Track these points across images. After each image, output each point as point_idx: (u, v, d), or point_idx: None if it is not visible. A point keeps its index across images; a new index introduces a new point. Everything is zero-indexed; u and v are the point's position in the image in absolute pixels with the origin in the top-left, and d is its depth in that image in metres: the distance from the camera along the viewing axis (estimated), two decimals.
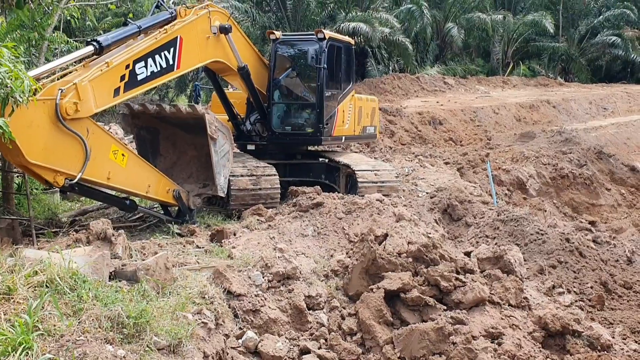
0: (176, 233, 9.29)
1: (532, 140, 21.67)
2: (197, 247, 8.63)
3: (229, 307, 6.90)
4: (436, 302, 7.34)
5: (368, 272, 7.75)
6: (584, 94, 34.00)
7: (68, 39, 10.20)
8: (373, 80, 28.67)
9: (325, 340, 7.13)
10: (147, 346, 5.24)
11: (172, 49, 9.32)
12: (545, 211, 13.80)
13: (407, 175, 14.42)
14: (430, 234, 8.64)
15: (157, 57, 9.06)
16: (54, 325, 4.92)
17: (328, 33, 12.33)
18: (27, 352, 4.52)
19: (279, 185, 10.89)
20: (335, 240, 9.09)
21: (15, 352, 4.46)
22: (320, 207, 9.87)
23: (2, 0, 8.75)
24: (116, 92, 8.45)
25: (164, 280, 6.50)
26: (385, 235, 8.24)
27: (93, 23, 14.82)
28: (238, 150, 12.24)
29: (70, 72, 8.16)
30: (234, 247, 8.43)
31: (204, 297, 6.60)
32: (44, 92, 7.38)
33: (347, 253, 8.57)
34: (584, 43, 42.34)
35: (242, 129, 12.33)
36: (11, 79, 5.58)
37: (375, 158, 14.92)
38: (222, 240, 8.85)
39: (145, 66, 8.87)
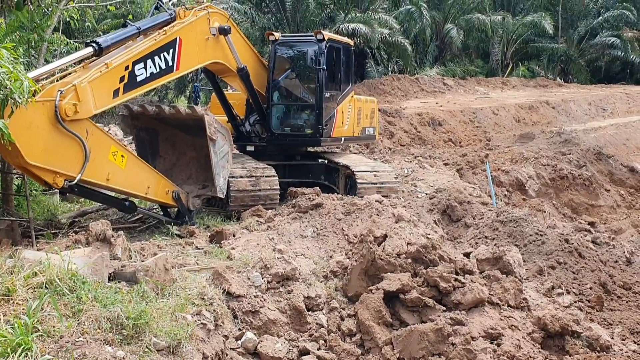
0: (175, 234, 9.29)
1: (532, 141, 21.68)
2: (197, 248, 8.63)
3: (228, 308, 6.90)
4: (435, 303, 7.35)
5: (367, 273, 7.76)
6: (583, 94, 34.01)
7: (68, 40, 10.20)
8: (372, 81, 28.69)
9: (325, 341, 7.13)
10: (147, 347, 5.24)
11: (171, 51, 9.33)
12: (545, 212, 13.82)
13: (406, 176, 14.43)
14: (429, 235, 8.65)
15: (156, 58, 9.06)
16: (54, 327, 4.92)
17: (327, 34, 12.34)
18: (27, 353, 4.52)
19: (278, 187, 10.89)
20: (334, 241, 9.10)
21: (15, 353, 4.46)
22: (320, 208, 9.88)
23: (2, 2, 8.75)
24: (115, 93, 8.45)
25: (163, 282, 6.50)
26: (385, 236, 8.24)
27: (92, 24, 14.81)
28: (237, 152, 12.25)
29: (69, 74, 8.15)
30: (233, 248, 8.44)
31: (203, 298, 6.60)
32: (44, 94, 7.38)
33: (346, 254, 8.58)
34: (583, 44, 42.36)
35: (241, 130, 12.35)
36: (10, 80, 5.58)
37: (374, 159, 14.93)
38: (222, 242, 8.86)
39: (145, 67, 8.88)
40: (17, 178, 10.11)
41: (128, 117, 10.23)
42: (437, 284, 7.43)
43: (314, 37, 12.09)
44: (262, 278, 7.51)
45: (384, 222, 9.24)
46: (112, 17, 25.26)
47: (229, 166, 10.05)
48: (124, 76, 8.53)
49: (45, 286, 5.42)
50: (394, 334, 7.08)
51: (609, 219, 16.52)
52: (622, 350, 7.30)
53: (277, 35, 12.44)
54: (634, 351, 7.32)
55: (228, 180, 10.12)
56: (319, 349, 6.99)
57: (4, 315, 4.88)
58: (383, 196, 11.14)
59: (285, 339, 7.02)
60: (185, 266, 7.52)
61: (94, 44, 8.42)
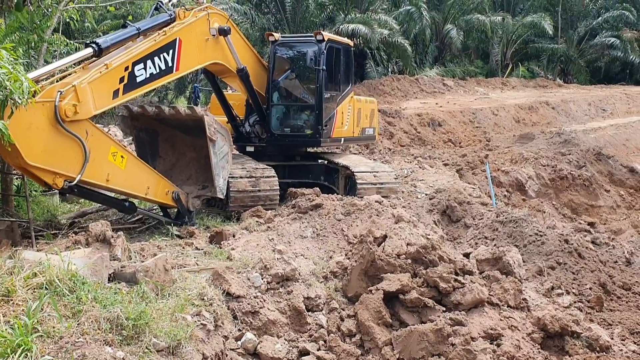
0: (175, 235, 9.29)
1: (531, 141, 21.68)
2: (196, 248, 8.64)
3: (228, 309, 6.90)
4: (435, 304, 7.35)
5: (367, 274, 7.76)
6: (583, 95, 34.01)
7: (68, 40, 10.20)
8: (372, 81, 28.70)
9: (325, 341, 7.13)
10: (146, 348, 5.24)
11: (171, 51, 9.33)
12: (544, 212, 13.81)
13: (406, 177, 14.43)
14: (429, 235, 8.64)
15: (156, 59, 9.07)
16: (53, 327, 4.92)
17: (327, 35, 12.35)
18: (26, 354, 4.52)
19: (278, 187, 10.90)
20: (334, 242, 9.10)
21: (15, 354, 4.46)
22: (319, 208, 9.88)
23: (2, 2, 8.75)
24: (115, 94, 8.45)
25: (163, 282, 6.50)
26: (384, 237, 8.24)
27: (92, 25, 14.80)
28: (237, 152, 12.26)
29: (69, 74, 8.16)
30: (233, 249, 8.44)
31: (203, 299, 6.61)
32: (43, 94, 7.39)
33: (346, 254, 8.58)
34: (582, 44, 42.36)
35: (241, 131, 12.35)
36: (10, 81, 5.58)
37: (374, 159, 14.93)
38: (221, 242, 8.86)
39: (145, 68, 8.88)
40: (16, 179, 10.11)
41: (128, 117, 10.23)
42: (437, 284, 7.44)
43: (313, 38, 12.10)
44: (262, 279, 7.51)
45: (384, 223, 9.23)
46: (112, 18, 25.26)
47: (228, 167, 10.06)
48: (123, 77, 8.54)
49: (45, 287, 5.42)
50: (393, 334, 7.08)
51: (609, 220, 16.51)
52: (621, 350, 7.29)
53: (277, 35, 12.46)
54: (633, 351, 7.32)
55: (228, 181, 10.13)
56: (318, 349, 6.99)
57: (3, 316, 4.88)
58: (383, 197, 11.14)
59: (285, 339, 7.02)
60: (185, 267, 7.52)
61: (93, 45, 8.42)
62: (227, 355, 6.33)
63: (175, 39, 9.40)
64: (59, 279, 5.49)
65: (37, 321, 4.89)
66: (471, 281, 7.58)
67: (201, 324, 6.14)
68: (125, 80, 8.57)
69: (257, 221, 9.74)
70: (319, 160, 12.76)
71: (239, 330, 6.82)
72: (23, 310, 4.98)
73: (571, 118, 29.59)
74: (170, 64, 9.34)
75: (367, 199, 10.47)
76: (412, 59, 32.54)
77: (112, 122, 21.18)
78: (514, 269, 8.29)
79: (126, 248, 7.34)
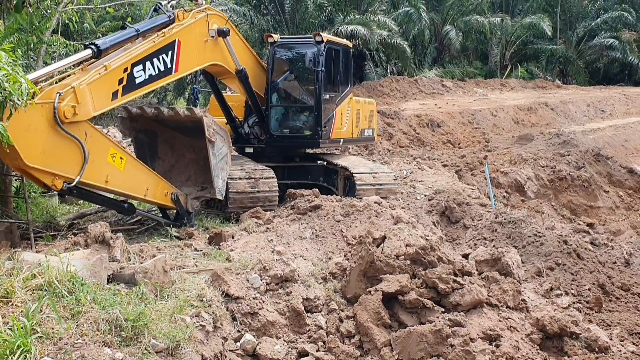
0: (174, 236, 9.29)
1: (530, 142, 21.69)
2: (195, 250, 8.64)
3: (227, 310, 6.90)
4: (434, 305, 7.35)
5: (366, 275, 7.76)
6: (582, 96, 34.03)
7: (67, 42, 10.20)
8: (371, 83, 28.71)
9: (324, 342, 7.13)
10: (145, 349, 5.25)
11: (170, 53, 9.33)
12: (543, 213, 13.83)
13: (405, 178, 14.43)
14: (428, 236, 8.64)
15: (155, 60, 9.07)
16: (52, 328, 4.93)
17: (326, 36, 12.36)
18: (26, 355, 4.52)
19: (277, 188, 10.90)
20: (333, 243, 9.10)
21: (14, 355, 4.47)
22: (319, 209, 9.88)
23: (1, 3, 8.75)
24: (114, 95, 8.45)
25: (162, 283, 6.51)
26: (383, 238, 8.25)
27: (91, 26, 14.81)
28: (236, 153, 12.25)
29: (68, 76, 8.17)
30: (232, 250, 8.44)
31: (202, 300, 6.61)
32: (42, 96, 7.38)
33: (345, 255, 8.58)
34: (581, 45, 42.40)
35: (240, 132, 12.36)
36: (9, 83, 5.58)
37: (373, 160, 14.93)
38: (220, 243, 8.86)
39: (144, 69, 8.88)
40: (16, 180, 10.11)
41: (127, 119, 10.23)
42: (436, 285, 7.44)
43: (312, 39, 12.10)
44: (261, 280, 7.51)
45: (383, 224, 9.24)
46: (111, 19, 25.29)
47: (227, 168, 10.06)
48: (122, 78, 8.54)
49: (44, 288, 5.43)
50: (392, 335, 7.08)
51: (608, 220, 16.52)
52: (620, 351, 7.30)
53: (276, 37, 12.47)
54: (632, 352, 7.32)
55: (227, 182, 10.13)
56: (317, 350, 6.99)
57: (2, 317, 4.89)
58: (382, 198, 11.14)
59: (284, 340, 7.03)
60: (184, 268, 7.52)
61: (92, 46, 8.43)
62: (226, 357, 6.33)
63: (174, 40, 9.41)
64: (58, 280, 5.50)
65: (36, 322, 4.90)
66: (470, 282, 7.58)
67: (200, 325, 6.15)
68: (125, 82, 8.57)
69: (256, 222, 9.74)
70: (318, 162, 12.76)
71: (238, 331, 6.82)
72: (22, 311, 4.98)
73: (570, 119, 29.61)
74: (169, 66, 9.35)
75: (366, 200, 10.48)
76: (411, 60, 32.56)
77: (111, 123, 21.19)
78: (512, 270, 8.29)
79: (125, 249, 7.35)
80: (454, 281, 7.50)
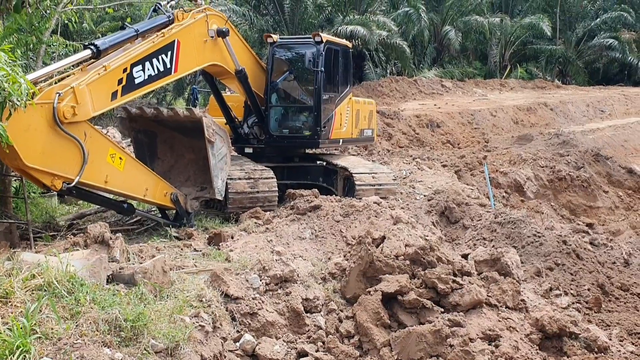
0: (174, 236, 9.30)
1: (530, 142, 21.70)
2: (195, 250, 8.64)
3: (227, 310, 6.90)
4: (433, 305, 7.35)
5: (365, 275, 7.76)
6: (581, 96, 34.05)
7: (67, 42, 10.21)
8: (371, 83, 28.72)
9: (323, 343, 7.13)
10: (145, 349, 5.25)
11: (169, 53, 9.34)
12: (543, 213, 13.84)
13: (404, 178, 14.44)
14: (427, 236, 8.65)
15: (154, 60, 9.08)
16: (52, 329, 4.93)
17: (325, 36, 12.37)
18: (25, 356, 4.53)
19: (277, 188, 10.91)
20: (332, 243, 9.10)
21: (13, 356, 4.47)
22: (318, 210, 9.88)
23: (0, 4, 8.75)
24: (114, 95, 8.46)
25: (161, 284, 6.51)
26: (383, 238, 8.25)
27: (90, 27, 14.82)
28: (236, 154, 12.26)
29: (67, 76, 8.17)
30: (231, 250, 8.44)
31: (202, 300, 6.61)
32: (42, 96, 7.39)
33: (344, 256, 8.58)
34: (581, 46, 42.42)
35: (239, 132, 12.36)
36: (9, 83, 5.59)
37: (372, 161, 14.94)
38: (220, 244, 8.86)
39: (143, 70, 8.89)
40: (15, 180, 10.11)
41: (126, 119, 10.24)
42: (435, 285, 7.44)
43: (312, 39, 12.11)
44: (261, 280, 7.51)
45: (382, 224, 9.24)
46: (110, 20, 25.29)
47: (227, 168, 10.06)
48: (122, 78, 8.54)
49: (44, 288, 5.43)
50: (392, 335, 7.08)
51: (607, 221, 16.51)
52: (620, 351, 7.30)
53: (276, 37, 12.48)
54: (631, 352, 7.32)
55: (226, 182, 10.13)
56: (317, 350, 6.99)
57: (2, 318, 4.89)
58: (381, 198, 11.14)
59: (284, 340, 7.02)
60: (183, 268, 7.52)
61: (92, 47, 8.43)
62: (225, 357, 6.33)
63: (174, 40, 9.41)
64: (57, 281, 5.50)
65: (36, 323, 4.90)
66: (469, 282, 7.58)
67: (199, 325, 6.15)
68: (124, 82, 8.58)
69: (255, 222, 9.74)
70: (318, 162, 12.77)
71: (238, 331, 6.81)
72: (21, 311, 4.98)
73: (569, 119, 29.63)
74: (168, 66, 9.35)
75: (365, 200, 10.48)
76: (410, 61, 32.59)
77: (111, 123, 21.19)
78: (512, 270, 8.29)
79: (124, 249, 7.35)
80: (454, 281, 7.50)
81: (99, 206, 10.72)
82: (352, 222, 9.55)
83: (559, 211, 15.88)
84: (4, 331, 4.68)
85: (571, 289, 8.65)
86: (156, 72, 9.12)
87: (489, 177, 15.18)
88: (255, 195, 10.56)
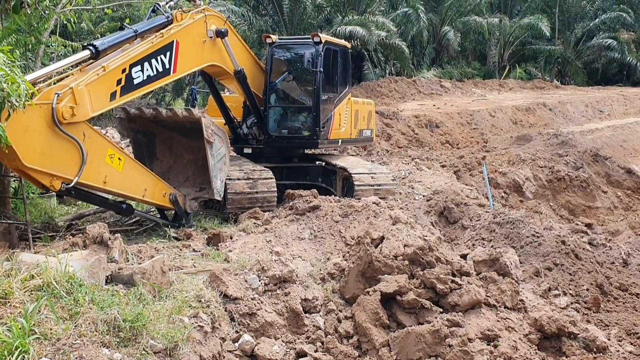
0: (173, 237, 9.30)
1: (529, 143, 21.72)
2: (194, 250, 8.64)
3: (225, 311, 6.90)
4: (432, 305, 7.35)
5: (364, 275, 7.76)
6: (580, 96, 34.08)
7: (66, 42, 10.21)
8: (370, 83, 28.73)
9: (322, 343, 7.13)
10: (144, 349, 5.25)
11: (168, 53, 9.34)
12: (542, 214, 13.83)
13: (403, 178, 14.45)
14: (426, 236, 8.66)
15: (153, 61, 9.08)
16: (51, 329, 4.93)
17: (324, 37, 12.37)
18: (24, 356, 4.53)
19: (276, 189, 10.90)
20: (331, 243, 9.11)
21: (12, 356, 4.47)
22: (317, 210, 9.89)
23: None
24: (112, 96, 8.46)
25: (160, 284, 6.51)
26: (382, 238, 8.25)
27: (89, 27, 14.83)
28: (235, 154, 12.26)
29: (66, 77, 8.17)
30: (230, 251, 8.44)
31: (200, 301, 6.61)
32: (41, 97, 7.38)
33: (343, 256, 8.58)
34: (580, 46, 42.46)
35: (238, 133, 12.36)
36: (7, 83, 5.59)
37: (371, 161, 14.94)
38: (219, 244, 8.86)
39: (142, 70, 8.89)
40: (14, 181, 10.12)
41: (125, 119, 10.23)
42: (434, 285, 7.45)
43: (311, 40, 12.11)
44: (259, 280, 7.51)
45: (381, 224, 9.24)
46: (109, 20, 25.31)
47: (226, 169, 10.06)
48: (121, 79, 8.54)
49: (43, 289, 5.43)
50: (391, 335, 7.08)
51: (606, 221, 16.52)
52: (618, 351, 7.31)
53: (274, 37, 12.47)
54: (630, 352, 7.33)
55: (225, 183, 10.13)
56: (316, 351, 6.99)
57: (1, 318, 4.89)
58: (380, 198, 11.14)
59: (283, 341, 7.02)
60: (182, 269, 7.52)
61: (91, 47, 8.43)
62: (224, 357, 6.33)
63: (173, 41, 9.41)
64: (56, 281, 5.50)
65: (35, 323, 4.90)
66: (468, 282, 7.59)
67: (198, 325, 6.15)
68: (123, 83, 8.58)
69: (254, 223, 9.75)
70: (317, 162, 12.77)
71: (237, 332, 6.81)
72: (20, 312, 4.98)
73: (568, 119, 29.65)
74: (167, 66, 9.35)
75: (364, 200, 10.48)
76: (409, 61, 32.60)
77: (110, 124, 21.19)
78: (511, 270, 8.30)
79: (123, 250, 7.35)
80: (452, 281, 7.50)
81: (97, 207, 10.71)
82: (351, 223, 9.56)
83: (558, 211, 15.89)
84: (3, 332, 4.68)
85: (570, 289, 8.66)
86: (155, 72, 9.12)
87: (488, 178, 15.19)
88: (254, 196, 10.56)
